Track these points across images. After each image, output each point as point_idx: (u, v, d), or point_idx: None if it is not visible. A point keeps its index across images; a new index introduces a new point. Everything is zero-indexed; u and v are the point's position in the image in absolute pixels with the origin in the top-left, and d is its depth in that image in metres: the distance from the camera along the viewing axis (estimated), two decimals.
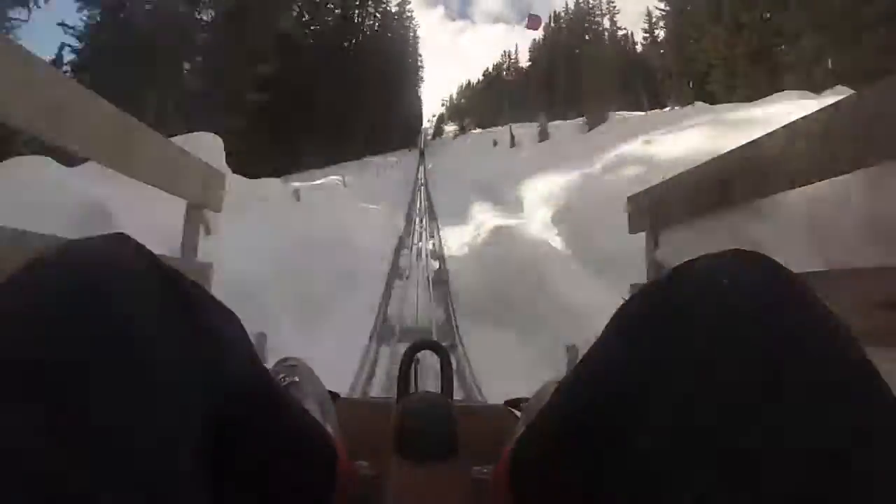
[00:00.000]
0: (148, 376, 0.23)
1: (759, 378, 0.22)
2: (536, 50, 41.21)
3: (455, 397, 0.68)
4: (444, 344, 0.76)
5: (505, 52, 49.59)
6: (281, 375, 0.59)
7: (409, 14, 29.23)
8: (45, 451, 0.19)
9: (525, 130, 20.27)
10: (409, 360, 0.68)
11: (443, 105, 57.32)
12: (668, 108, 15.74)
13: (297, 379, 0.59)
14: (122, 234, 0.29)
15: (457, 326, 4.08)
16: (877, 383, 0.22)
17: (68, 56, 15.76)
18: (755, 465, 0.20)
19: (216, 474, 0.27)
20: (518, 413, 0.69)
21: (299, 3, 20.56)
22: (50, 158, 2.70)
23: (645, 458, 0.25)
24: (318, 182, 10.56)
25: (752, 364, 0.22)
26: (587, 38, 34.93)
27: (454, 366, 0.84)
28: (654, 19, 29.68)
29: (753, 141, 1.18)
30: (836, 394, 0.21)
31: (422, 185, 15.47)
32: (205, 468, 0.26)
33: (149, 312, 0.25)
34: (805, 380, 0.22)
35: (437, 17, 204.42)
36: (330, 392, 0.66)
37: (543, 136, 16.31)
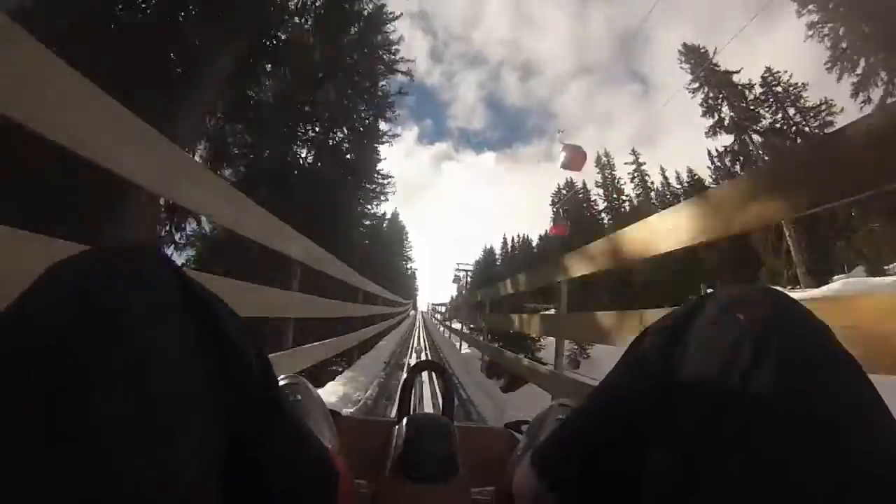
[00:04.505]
0: (159, 393, 0.23)
1: (773, 410, 0.23)
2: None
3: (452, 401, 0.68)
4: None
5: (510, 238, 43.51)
6: (284, 393, 0.58)
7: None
8: (51, 454, 0.19)
9: None
10: (410, 381, 0.67)
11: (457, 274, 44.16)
12: None
13: (299, 397, 0.58)
14: (147, 245, 0.28)
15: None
16: (883, 416, 0.23)
17: None
18: (773, 490, 0.21)
19: (224, 488, 0.27)
20: (518, 435, 0.68)
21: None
22: None
23: (661, 482, 0.26)
24: None
25: (766, 396, 0.24)
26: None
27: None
28: None
29: None
30: (843, 427, 0.22)
31: None
32: (214, 484, 0.25)
33: (166, 325, 0.25)
34: (815, 413, 0.23)
35: (411, 139, 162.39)
36: (331, 410, 0.65)
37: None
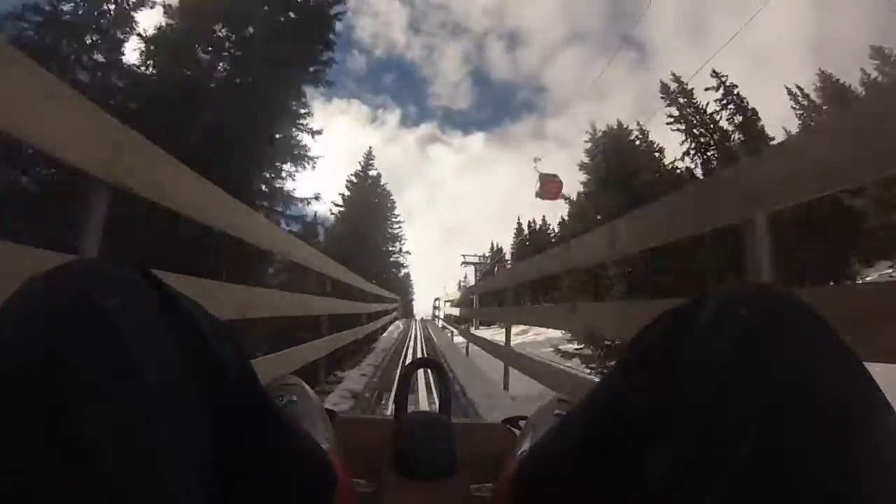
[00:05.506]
0: (146, 397, 0.23)
1: (773, 409, 0.23)
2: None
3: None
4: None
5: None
6: (279, 395, 0.59)
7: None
8: (40, 466, 0.19)
9: None
10: (406, 379, 0.69)
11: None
12: None
13: (294, 398, 0.60)
14: (120, 258, 0.29)
15: None
16: (885, 415, 0.23)
17: None
18: (773, 488, 0.21)
19: (215, 493, 0.27)
20: (516, 431, 0.68)
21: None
22: None
23: (661, 479, 0.25)
24: None
25: (766, 395, 0.23)
26: None
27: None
28: None
29: None
30: (844, 425, 0.22)
31: None
32: (204, 488, 0.26)
33: (148, 331, 0.26)
34: (815, 411, 0.23)
35: (393, 122, 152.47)
36: (327, 410, 0.67)
37: None
